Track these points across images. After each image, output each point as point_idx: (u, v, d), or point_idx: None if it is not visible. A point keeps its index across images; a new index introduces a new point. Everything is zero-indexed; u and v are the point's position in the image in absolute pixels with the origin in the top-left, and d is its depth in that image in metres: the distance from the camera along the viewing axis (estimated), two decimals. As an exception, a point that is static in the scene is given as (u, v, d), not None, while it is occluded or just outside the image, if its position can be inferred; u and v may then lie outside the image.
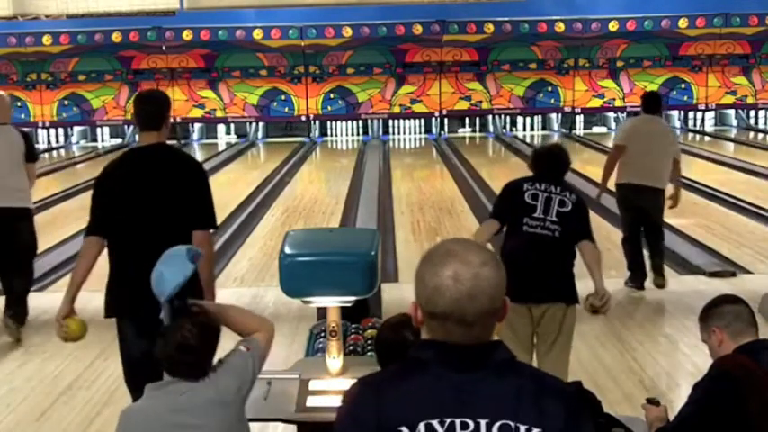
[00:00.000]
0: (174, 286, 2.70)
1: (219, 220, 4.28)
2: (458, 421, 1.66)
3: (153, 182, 4.06)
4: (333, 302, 3.29)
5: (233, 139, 20.66)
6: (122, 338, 4.14)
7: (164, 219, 4.04)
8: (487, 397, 1.69)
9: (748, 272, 7.82)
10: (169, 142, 4.38)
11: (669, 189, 7.54)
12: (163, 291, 2.71)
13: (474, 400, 1.68)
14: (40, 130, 20.47)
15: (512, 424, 1.67)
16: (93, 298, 7.43)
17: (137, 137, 17.31)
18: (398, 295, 6.98)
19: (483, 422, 1.67)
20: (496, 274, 1.73)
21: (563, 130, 20.57)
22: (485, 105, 20.14)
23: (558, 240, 4.34)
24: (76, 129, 20.64)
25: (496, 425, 1.66)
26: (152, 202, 4.04)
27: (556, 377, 1.83)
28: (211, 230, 4.20)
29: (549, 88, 20.10)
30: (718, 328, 3.06)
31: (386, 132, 20.51)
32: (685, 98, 20.18)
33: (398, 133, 20.74)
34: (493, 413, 1.68)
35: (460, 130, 20.82)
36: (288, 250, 3.33)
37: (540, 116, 20.90)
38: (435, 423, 1.66)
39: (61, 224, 10.60)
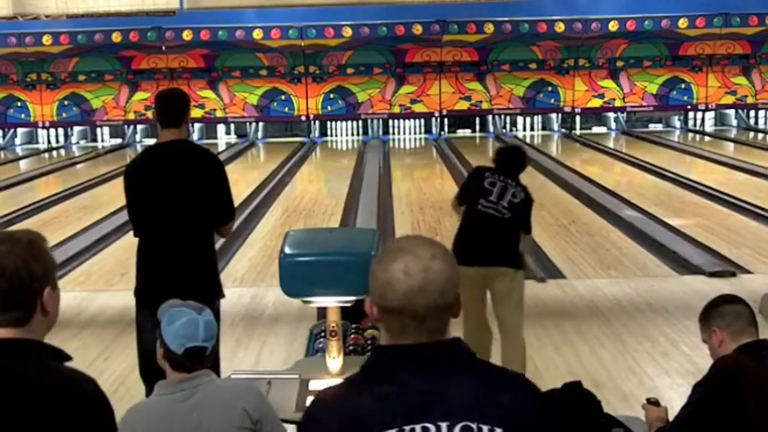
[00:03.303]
0: (206, 341, 2.71)
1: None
2: (418, 427, 1.64)
3: (174, 177, 4.19)
4: (333, 302, 3.30)
5: (233, 139, 20.66)
6: (140, 330, 4.19)
7: (186, 213, 4.18)
8: (447, 398, 1.67)
9: (748, 272, 7.81)
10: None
11: None
12: (197, 337, 2.71)
13: (433, 402, 1.66)
14: (40, 130, 20.49)
15: (473, 425, 1.64)
16: (96, 298, 7.47)
17: (137, 137, 17.35)
18: (398, 295, 6.97)
19: (444, 425, 1.64)
20: (447, 267, 1.73)
21: (563, 130, 20.58)
22: (485, 105, 20.14)
23: (506, 221, 5.08)
24: (76, 129, 20.64)
25: (457, 427, 1.64)
26: (174, 196, 4.18)
27: (519, 374, 1.81)
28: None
29: (549, 88, 20.10)
30: (718, 328, 3.06)
31: (386, 132, 20.51)
32: (685, 98, 20.18)
33: (398, 133, 20.74)
34: (453, 415, 1.65)
35: (459, 131, 20.81)
36: (288, 250, 3.33)
37: (539, 116, 20.90)
38: None
39: (61, 224, 10.61)
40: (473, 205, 5.12)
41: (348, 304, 3.33)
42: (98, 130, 20.73)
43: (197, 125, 20.37)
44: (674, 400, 4.40)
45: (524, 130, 20.93)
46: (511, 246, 5.10)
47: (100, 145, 20.57)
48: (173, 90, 4.59)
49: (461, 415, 1.66)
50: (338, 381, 3.19)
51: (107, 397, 1.86)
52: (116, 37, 19.24)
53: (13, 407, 1.75)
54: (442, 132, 20.42)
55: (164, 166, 4.23)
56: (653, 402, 3.22)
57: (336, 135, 20.75)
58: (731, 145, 18.42)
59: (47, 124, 20.13)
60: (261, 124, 20.63)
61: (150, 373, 3.75)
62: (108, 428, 1.86)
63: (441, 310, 1.72)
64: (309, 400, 3.18)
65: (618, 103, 20.27)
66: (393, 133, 20.67)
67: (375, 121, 20.47)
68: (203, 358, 2.71)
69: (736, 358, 2.97)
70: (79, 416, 1.79)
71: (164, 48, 19.43)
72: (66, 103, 19.87)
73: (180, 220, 4.18)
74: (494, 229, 5.05)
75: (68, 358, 1.87)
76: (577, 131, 20.46)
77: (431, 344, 1.72)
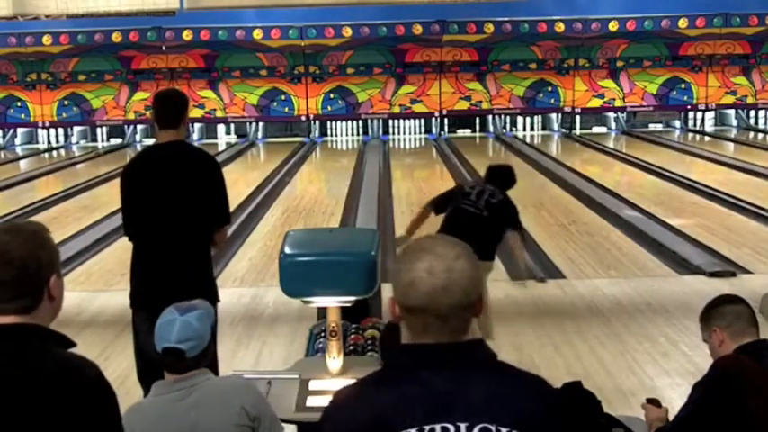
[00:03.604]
0: (191, 345, 2.69)
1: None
2: (438, 427, 1.65)
3: (172, 179, 4.16)
4: (333, 302, 3.29)
5: (233, 139, 20.66)
6: (137, 332, 4.18)
7: (182, 215, 4.15)
8: (467, 399, 1.67)
9: (748, 272, 7.81)
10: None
11: None
12: (172, 340, 2.69)
13: (454, 403, 1.67)
14: (40, 130, 20.49)
15: (492, 427, 1.65)
16: (96, 298, 7.47)
17: (137, 137, 17.29)
18: (398, 295, 7.00)
19: (463, 426, 1.65)
20: (470, 267, 1.74)
21: (563, 130, 20.58)
22: (485, 105, 20.14)
23: (484, 218, 5.63)
24: (76, 129, 20.64)
25: (476, 428, 1.65)
26: (171, 198, 4.15)
27: (537, 375, 1.81)
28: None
29: (549, 88, 20.10)
30: (718, 327, 3.05)
31: (386, 132, 20.51)
32: (685, 98, 20.18)
33: (398, 133, 20.74)
34: (473, 416, 1.66)
35: (459, 131, 20.82)
36: (288, 250, 3.33)
37: (540, 116, 20.90)
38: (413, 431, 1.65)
39: (61, 224, 10.60)
40: (456, 206, 5.76)
41: (348, 304, 3.33)
42: (98, 130, 20.73)
43: (197, 125, 20.38)
44: (674, 400, 4.40)
45: (524, 130, 20.93)
46: (487, 242, 5.59)
47: (100, 145, 20.56)
48: (171, 91, 4.54)
49: (481, 416, 1.66)
50: (337, 381, 3.21)
51: (109, 382, 1.88)
52: (116, 37, 19.23)
53: (17, 391, 1.77)
54: (442, 132, 20.42)
55: (161, 167, 4.19)
56: (653, 403, 3.22)
57: (336, 135, 20.75)
58: (731, 145, 18.42)
59: (47, 124, 20.13)
60: (261, 124, 20.63)
61: (147, 376, 3.75)
62: (111, 412, 1.87)
63: (464, 310, 1.73)
64: (309, 400, 3.18)
65: (618, 103, 20.27)
66: (393, 133, 20.67)
67: (375, 121, 20.46)
68: (183, 360, 2.67)
69: (736, 358, 2.97)
70: (82, 400, 1.80)
71: (164, 48, 19.42)
72: (66, 103, 19.87)
73: (176, 222, 4.14)
74: (471, 221, 5.59)
75: (72, 344, 1.90)
76: (577, 131, 20.46)
77: (453, 344, 1.72)
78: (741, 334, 3.02)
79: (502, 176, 5.93)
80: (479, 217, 5.61)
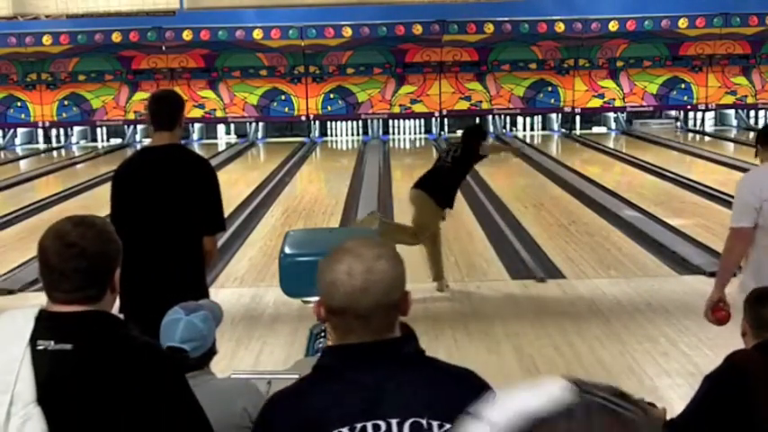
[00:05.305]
0: (194, 346, 2.69)
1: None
2: (369, 424, 1.66)
3: (163, 183, 4.05)
4: (333, 302, 3.29)
5: (233, 139, 20.66)
6: None
7: (173, 221, 4.04)
8: (396, 395, 1.68)
9: (748, 272, 7.80)
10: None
11: None
12: (176, 338, 2.69)
13: (383, 399, 1.68)
14: (39, 130, 20.48)
15: (423, 421, 1.66)
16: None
17: (137, 137, 17.29)
18: (398, 295, 7.00)
19: (394, 422, 1.66)
20: (391, 267, 1.75)
21: (563, 130, 20.58)
22: (485, 105, 20.14)
23: (447, 168, 7.24)
24: (76, 129, 20.64)
25: (407, 423, 1.66)
26: (162, 203, 4.03)
27: (465, 368, 1.82)
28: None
29: (549, 88, 20.09)
30: (747, 323, 3.09)
31: (386, 132, 20.50)
32: (685, 98, 20.18)
33: (398, 133, 20.74)
34: (403, 411, 1.67)
35: (459, 131, 20.81)
36: (288, 250, 3.33)
37: (540, 116, 20.90)
38: (345, 430, 1.66)
39: (61, 224, 10.60)
40: (435, 164, 7.43)
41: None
42: (98, 130, 20.72)
43: (197, 125, 20.38)
44: (674, 400, 4.40)
45: (524, 130, 20.92)
46: (448, 188, 7.22)
47: (100, 145, 20.56)
48: (166, 92, 4.41)
49: (411, 410, 1.67)
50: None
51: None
52: (116, 37, 19.23)
53: (106, 372, 1.90)
54: (442, 132, 20.42)
55: (154, 170, 4.08)
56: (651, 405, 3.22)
57: (336, 135, 20.75)
58: (731, 145, 18.42)
59: (47, 124, 20.13)
60: (261, 124, 20.63)
61: None
62: (185, 382, 2.04)
63: (386, 310, 1.73)
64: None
65: (618, 103, 20.26)
66: (393, 133, 20.67)
67: (375, 121, 20.47)
68: (186, 359, 2.67)
69: (749, 354, 2.99)
70: (166, 373, 1.99)
71: (164, 48, 19.42)
72: (66, 103, 19.86)
73: (166, 226, 4.02)
74: (439, 175, 7.23)
75: (133, 328, 2.05)
76: (577, 131, 20.46)
77: (376, 343, 1.73)
78: (761, 338, 3.03)
79: (472, 131, 7.52)
80: (443, 168, 7.22)
